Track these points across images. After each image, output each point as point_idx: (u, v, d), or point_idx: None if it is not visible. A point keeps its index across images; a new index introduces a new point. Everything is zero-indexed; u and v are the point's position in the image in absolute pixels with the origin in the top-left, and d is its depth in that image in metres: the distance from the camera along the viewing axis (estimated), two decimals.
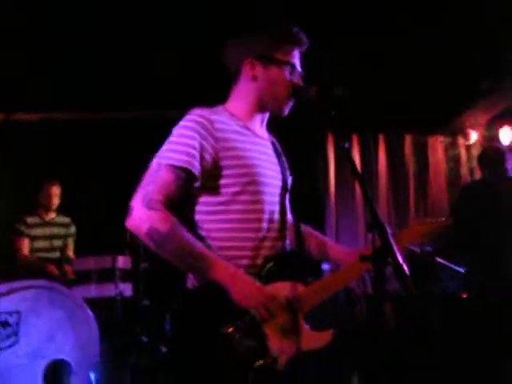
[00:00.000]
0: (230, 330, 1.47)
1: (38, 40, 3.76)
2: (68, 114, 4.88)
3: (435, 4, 3.44)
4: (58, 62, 4.04)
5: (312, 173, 5.31)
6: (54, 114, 4.88)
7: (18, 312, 2.87)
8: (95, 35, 3.73)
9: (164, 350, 3.53)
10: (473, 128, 5.27)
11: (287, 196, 1.74)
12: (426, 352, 3.37)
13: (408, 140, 5.56)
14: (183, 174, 1.53)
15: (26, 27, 3.62)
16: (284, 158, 1.82)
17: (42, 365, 2.86)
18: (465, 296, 3.48)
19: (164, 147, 1.58)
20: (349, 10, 3.47)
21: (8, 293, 2.87)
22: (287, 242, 1.71)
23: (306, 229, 1.87)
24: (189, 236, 1.50)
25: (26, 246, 3.93)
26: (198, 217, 1.62)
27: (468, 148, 5.50)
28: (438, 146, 5.60)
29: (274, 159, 1.74)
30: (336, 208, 5.34)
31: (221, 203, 1.59)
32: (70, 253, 4.17)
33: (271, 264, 1.58)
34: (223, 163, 1.58)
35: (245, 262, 1.57)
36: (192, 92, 4.24)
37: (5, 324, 2.83)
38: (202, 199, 1.61)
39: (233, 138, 1.61)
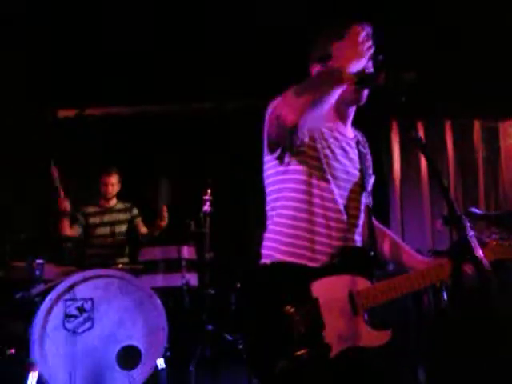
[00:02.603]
0: (292, 310, 1.49)
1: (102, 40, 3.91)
2: (134, 107, 5.04)
3: None
4: (124, 59, 4.18)
5: (376, 163, 5.17)
6: (121, 108, 5.06)
7: (91, 299, 3.02)
8: (152, 31, 3.82)
9: (229, 338, 3.59)
10: None
11: (365, 194, 1.75)
12: (497, 348, 3.22)
13: (477, 126, 5.30)
14: None
15: (88, 29, 3.77)
16: (369, 158, 1.85)
17: (114, 349, 3.00)
18: None
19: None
20: None
21: (83, 281, 3.03)
22: (359, 238, 1.71)
23: (381, 228, 1.87)
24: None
25: (67, 227, 4.07)
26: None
27: None
28: (510, 131, 5.30)
29: (354, 156, 1.76)
30: (401, 199, 5.19)
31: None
32: (143, 229, 4.30)
33: (339, 255, 1.60)
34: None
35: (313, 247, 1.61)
36: (246, 85, 4.27)
37: (81, 310, 2.99)
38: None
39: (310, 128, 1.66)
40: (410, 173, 5.21)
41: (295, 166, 1.66)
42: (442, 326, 2.85)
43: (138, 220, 4.35)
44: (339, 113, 1.75)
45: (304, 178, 1.65)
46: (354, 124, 1.88)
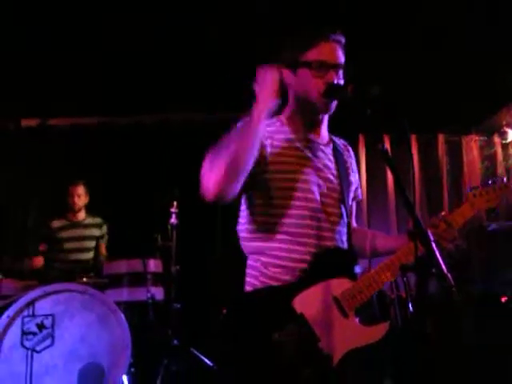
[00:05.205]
0: (278, 335, 1.47)
1: (69, 49, 3.82)
2: (99, 118, 4.95)
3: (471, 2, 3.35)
4: (89, 69, 4.10)
5: None
6: (85, 119, 4.96)
7: (52, 315, 2.91)
8: (123, 42, 3.77)
9: (195, 352, 3.52)
10: (509, 126, 5.10)
11: (344, 201, 1.73)
12: (462, 360, 3.26)
13: (441, 140, 5.43)
14: None
15: (57, 38, 3.69)
16: (349, 165, 1.83)
17: (76, 367, 2.89)
18: (504, 299, 3.35)
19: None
20: (383, 10, 3.42)
21: (43, 296, 2.92)
22: (342, 243, 1.71)
23: (361, 231, 1.88)
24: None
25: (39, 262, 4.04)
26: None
27: (504, 146, 5.33)
28: (472, 145, 5.44)
29: (329, 163, 1.75)
30: (368, 213, 5.23)
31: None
32: (103, 251, 4.23)
33: (315, 262, 1.59)
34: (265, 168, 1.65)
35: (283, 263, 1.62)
36: (218, 96, 4.24)
37: (41, 326, 2.88)
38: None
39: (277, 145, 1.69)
40: (377, 186, 5.27)
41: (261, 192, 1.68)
42: (408, 337, 2.88)
43: (103, 241, 4.26)
44: (308, 122, 1.76)
45: (273, 193, 1.66)
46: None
